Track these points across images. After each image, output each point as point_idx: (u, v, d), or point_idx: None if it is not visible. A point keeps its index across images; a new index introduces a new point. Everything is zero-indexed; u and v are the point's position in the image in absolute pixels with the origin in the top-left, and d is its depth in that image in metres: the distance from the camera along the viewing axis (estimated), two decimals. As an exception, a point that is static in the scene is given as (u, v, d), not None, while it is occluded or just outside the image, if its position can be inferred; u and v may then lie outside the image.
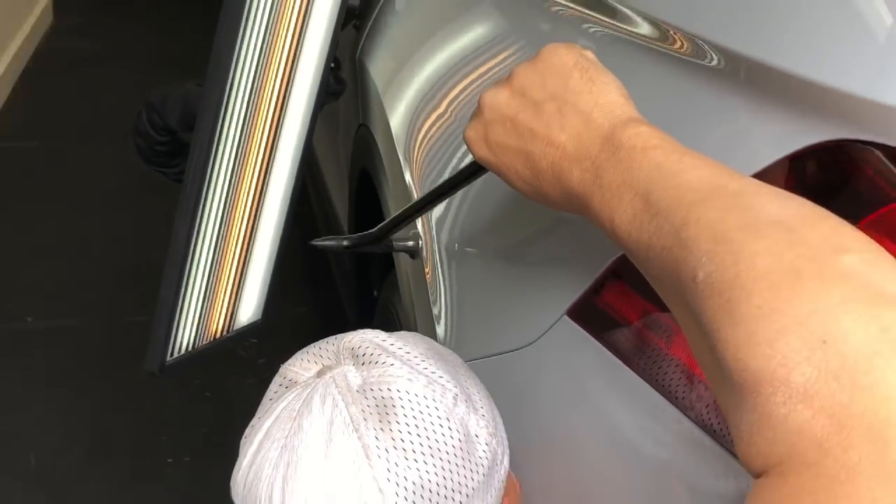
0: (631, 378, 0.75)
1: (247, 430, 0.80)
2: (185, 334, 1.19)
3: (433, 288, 1.08)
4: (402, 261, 1.22)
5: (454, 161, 1.11)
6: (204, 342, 1.22)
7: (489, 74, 1.12)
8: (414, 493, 0.73)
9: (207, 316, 1.22)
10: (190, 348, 1.20)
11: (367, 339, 0.81)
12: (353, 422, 0.74)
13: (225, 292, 1.24)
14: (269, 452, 0.76)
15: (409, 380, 0.77)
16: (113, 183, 3.17)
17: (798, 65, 0.65)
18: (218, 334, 1.25)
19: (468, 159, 0.78)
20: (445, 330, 1.04)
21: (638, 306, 0.75)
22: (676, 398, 0.72)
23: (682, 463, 0.72)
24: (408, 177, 1.22)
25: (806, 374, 0.47)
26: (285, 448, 0.75)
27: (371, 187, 1.43)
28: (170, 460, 2.20)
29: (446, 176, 1.10)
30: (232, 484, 0.79)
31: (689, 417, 0.71)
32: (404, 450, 0.73)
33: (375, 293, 1.64)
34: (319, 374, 0.79)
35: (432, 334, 1.05)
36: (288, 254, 1.30)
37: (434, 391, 0.77)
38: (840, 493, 0.45)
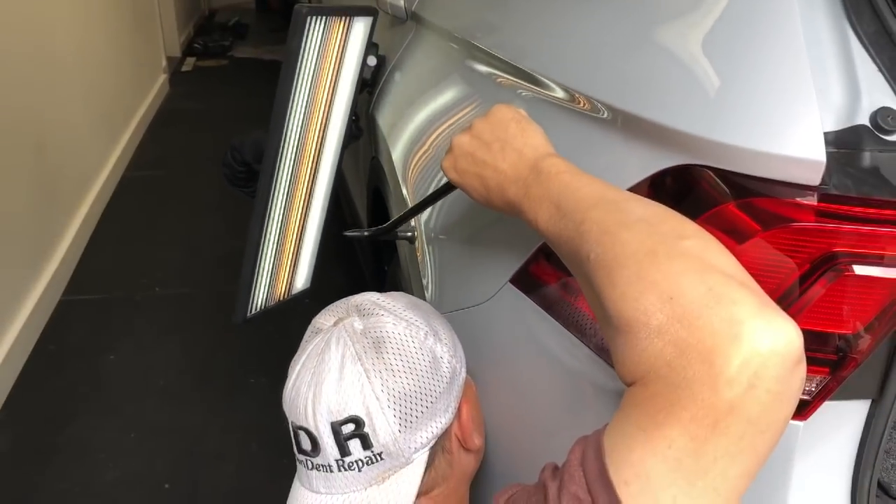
0: (551, 321, 0.75)
1: (291, 362, 0.80)
2: (259, 298, 1.18)
3: (423, 265, 1.08)
4: (402, 248, 1.22)
5: (433, 180, 1.11)
6: (271, 303, 1.22)
7: (457, 123, 1.11)
8: (399, 398, 0.73)
9: (273, 285, 1.21)
10: (262, 307, 1.19)
11: (366, 298, 0.81)
12: (357, 354, 0.74)
13: (285, 269, 1.23)
14: (304, 377, 0.75)
15: (394, 324, 0.76)
16: (211, 197, 3.15)
17: (655, 114, 0.64)
18: (281, 297, 1.25)
19: (444, 179, 0.78)
20: (431, 293, 1.04)
21: (555, 275, 0.75)
22: (581, 333, 0.72)
23: (585, 371, 0.72)
24: (404, 191, 1.22)
25: (659, 319, 0.47)
26: (314, 374, 0.75)
27: (380, 198, 1.43)
28: (252, 380, 2.19)
29: (430, 191, 1.10)
30: (282, 398, 0.79)
31: (588, 345, 0.71)
32: (392, 371, 0.73)
33: (386, 268, 1.64)
34: (335, 323, 0.79)
35: (422, 296, 1.05)
36: (328, 243, 1.29)
37: (411, 331, 0.76)
38: (681, 395, 0.46)
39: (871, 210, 0.54)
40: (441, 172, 0.76)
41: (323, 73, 1.13)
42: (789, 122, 0.55)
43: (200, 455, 1.92)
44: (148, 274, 2.74)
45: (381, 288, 1.53)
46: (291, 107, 1.07)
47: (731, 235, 0.56)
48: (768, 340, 0.45)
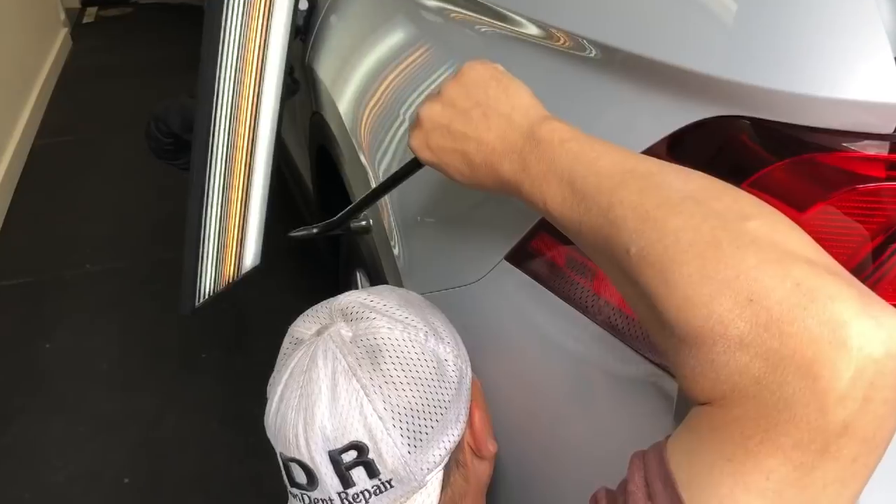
0: (556, 301, 0.66)
1: (269, 382, 0.69)
2: (206, 284, 1.07)
3: (392, 237, 0.96)
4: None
5: (393, 131, 0.97)
6: (220, 287, 1.11)
7: (409, 67, 0.98)
8: (405, 414, 0.63)
9: (220, 267, 1.10)
10: (211, 293, 1.09)
11: (352, 299, 0.70)
12: (350, 368, 0.63)
13: (231, 248, 1.12)
14: (290, 401, 0.64)
15: (389, 328, 0.66)
16: (134, 159, 2.91)
17: (668, 54, 0.54)
18: (230, 280, 1.13)
19: (405, 134, 0.66)
20: (404, 263, 0.92)
21: (560, 250, 0.65)
22: (587, 310, 0.64)
23: (593, 354, 0.63)
24: (358, 150, 1.09)
25: (740, 328, 0.38)
26: (302, 396, 0.64)
27: (326, 157, 1.30)
28: (204, 355, 2.06)
29: (391, 148, 0.98)
30: (265, 425, 0.68)
31: (596, 322, 0.62)
32: (393, 383, 0.63)
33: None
34: (318, 332, 0.68)
35: (394, 270, 0.94)
36: (277, 196, 1.15)
37: (409, 333, 0.66)
38: (780, 418, 0.37)
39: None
40: (398, 121, 0.64)
41: (252, 23, 0.99)
42: (853, 58, 0.45)
43: (159, 442, 1.81)
44: (76, 250, 2.54)
45: (336, 249, 1.40)
46: (220, 66, 0.94)
47: (787, 203, 0.47)
48: (882, 343, 0.36)
